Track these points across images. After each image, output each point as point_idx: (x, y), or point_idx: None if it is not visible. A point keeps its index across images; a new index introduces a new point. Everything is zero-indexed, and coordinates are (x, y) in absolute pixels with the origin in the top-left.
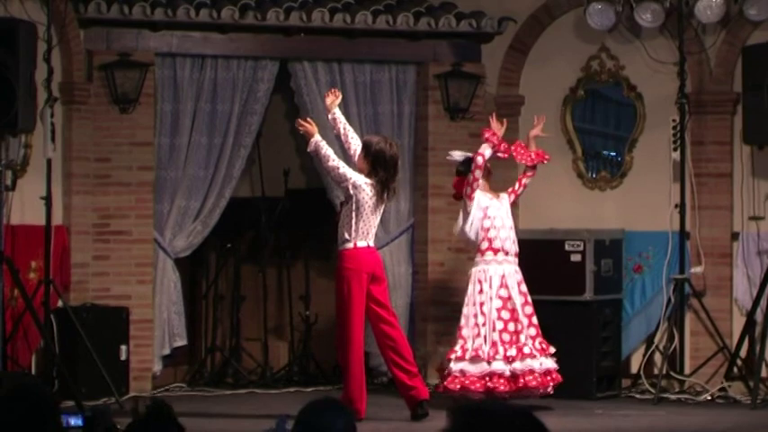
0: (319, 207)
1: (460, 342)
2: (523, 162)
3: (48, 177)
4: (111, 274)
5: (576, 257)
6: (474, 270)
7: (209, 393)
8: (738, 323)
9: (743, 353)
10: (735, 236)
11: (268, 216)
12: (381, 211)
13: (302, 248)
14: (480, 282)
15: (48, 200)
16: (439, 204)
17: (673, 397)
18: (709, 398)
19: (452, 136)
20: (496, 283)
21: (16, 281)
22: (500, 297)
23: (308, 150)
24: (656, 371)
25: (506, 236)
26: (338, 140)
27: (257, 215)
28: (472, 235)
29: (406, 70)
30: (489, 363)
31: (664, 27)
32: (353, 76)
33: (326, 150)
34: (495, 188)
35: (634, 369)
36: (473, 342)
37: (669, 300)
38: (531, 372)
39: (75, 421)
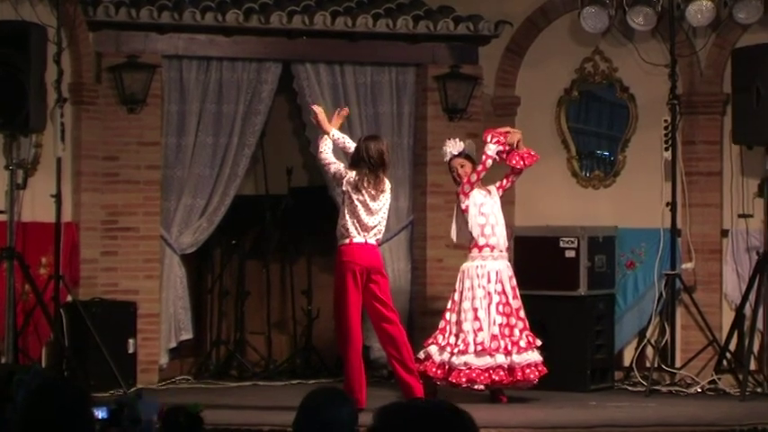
0: (321, 204)
1: (462, 336)
2: (518, 167)
3: (58, 176)
4: (119, 270)
5: (570, 254)
6: (470, 265)
7: (214, 385)
8: (728, 317)
9: (732, 346)
10: (724, 233)
11: (272, 213)
12: (380, 208)
13: (305, 245)
14: (478, 277)
15: (58, 197)
16: (437, 202)
17: (664, 389)
18: (700, 390)
19: (450, 135)
20: (494, 279)
21: (27, 276)
22: (497, 292)
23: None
24: (647, 364)
25: (501, 233)
26: (344, 156)
27: (261, 212)
28: (474, 234)
29: (405, 72)
30: (492, 356)
31: (655, 30)
32: (354, 78)
33: (324, 147)
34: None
35: (627, 362)
36: (476, 336)
37: (661, 295)
38: (529, 364)
39: (100, 413)
